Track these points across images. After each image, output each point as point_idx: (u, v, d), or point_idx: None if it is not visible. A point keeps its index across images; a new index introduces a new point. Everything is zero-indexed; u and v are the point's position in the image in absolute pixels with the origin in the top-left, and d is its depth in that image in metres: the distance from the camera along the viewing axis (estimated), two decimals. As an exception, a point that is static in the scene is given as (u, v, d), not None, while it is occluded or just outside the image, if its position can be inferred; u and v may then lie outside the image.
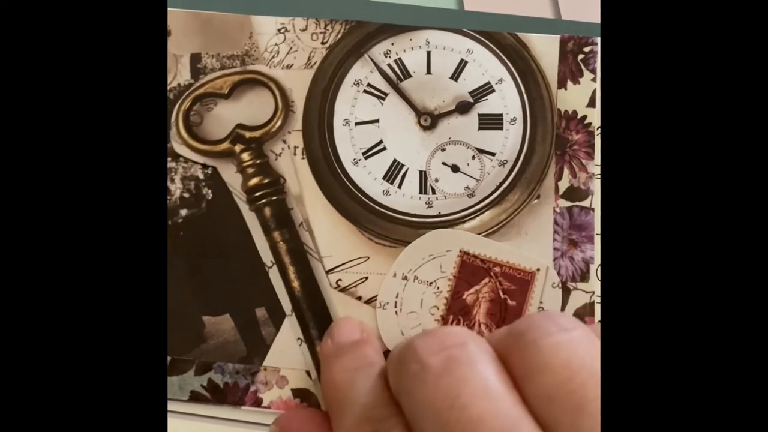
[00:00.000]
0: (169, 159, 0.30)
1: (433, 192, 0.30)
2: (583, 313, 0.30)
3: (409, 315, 0.30)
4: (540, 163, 0.30)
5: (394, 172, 0.31)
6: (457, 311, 0.30)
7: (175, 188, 0.30)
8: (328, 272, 0.30)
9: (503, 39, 0.31)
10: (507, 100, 0.31)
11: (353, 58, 0.31)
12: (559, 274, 0.30)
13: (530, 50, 0.31)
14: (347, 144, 0.31)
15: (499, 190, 0.30)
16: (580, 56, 0.31)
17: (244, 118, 0.31)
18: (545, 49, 0.31)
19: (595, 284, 0.30)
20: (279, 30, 0.31)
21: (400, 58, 0.31)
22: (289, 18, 0.31)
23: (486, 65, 0.31)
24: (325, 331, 0.29)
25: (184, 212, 0.30)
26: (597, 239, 0.30)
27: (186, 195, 0.31)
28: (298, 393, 0.29)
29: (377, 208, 0.30)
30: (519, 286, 0.30)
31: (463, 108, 0.31)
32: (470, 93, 0.31)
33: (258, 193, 0.30)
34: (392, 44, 0.31)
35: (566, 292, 0.30)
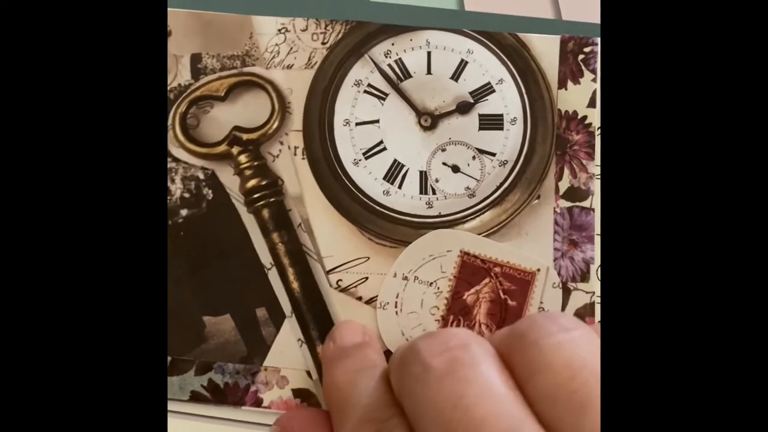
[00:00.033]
0: (169, 159, 0.30)
1: (434, 192, 0.30)
2: (583, 314, 0.30)
3: (410, 315, 0.30)
4: (540, 163, 0.30)
5: (394, 173, 0.31)
6: (457, 311, 0.30)
7: (176, 188, 0.31)
8: (328, 272, 0.30)
9: (503, 39, 0.31)
10: (507, 100, 0.31)
11: (354, 59, 0.31)
12: (559, 274, 0.30)
13: (530, 50, 0.31)
14: (348, 144, 0.31)
15: (500, 191, 0.30)
16: (581, 56, 0.31)
17: (240, 120, 0.31)
18: (545, 49, 0.31)
19: (595, 284, 0.30)
20: (279, 30, 0.31)
21: (400, 59, 0.31)
22: (290, 18, 0.31)
23: (486, 65, 0.31)
24: (326, 334, 0.29)
25: (184, 212, 0.30)
26: (597, 239, 0.30)
27: (186, 195, 0.31)
28: (298, 393, 0.29)
29: (378, 208, 0.30)
30: (519, 286, 0.30)
31: (463, 108, 0.31)
32: (471, 93, 0.31)
33: (256, 195, 0.30)
34: (393, 44, 0.31)
35: (566, 293, 0.30)
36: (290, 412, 0.28)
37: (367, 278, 0.30)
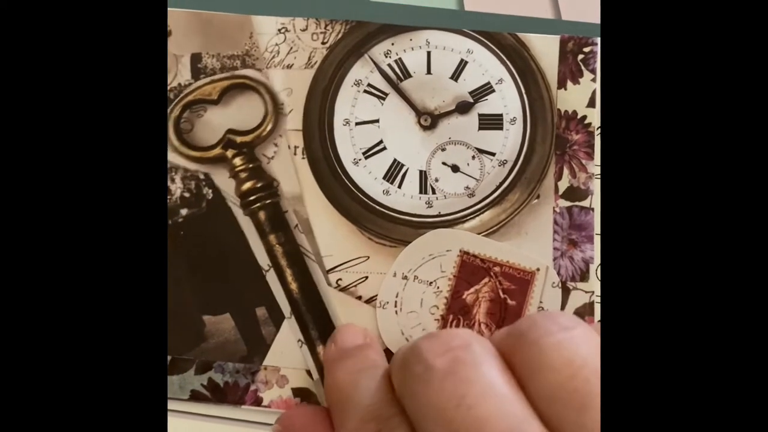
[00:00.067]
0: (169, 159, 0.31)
1: (433, 192, 0.30)
2: (582, 313, 0.30)
3: (409, 314, 0.30)
4: (540, 163, 0.30)
5: (394, 172, 0.31)
6: (457, 311, 0.30)
7: (176, 188, 0.31)
8: (328, 272, 0.30)
9: (503, 39, 0.31)
10: (507, 100, 0.31)
11: (353, 58, 0.31)
12: (558, 273, 0.30)
13: (530, 50, 0.31)
14: (347, 144, 0.31)
15: (499, 190, 0.30)
16: (580, 56, 0.31)
17: (234, 123, 0.31)
18: (545, 49, 0.31)
19: (594, 284, 0.30)
20: (279, 30, 0.31)
21: (400, 58, 0.31)
22: (290, 18, 0.31)
23: (486, 65, 0.31)
24: (326, 334, 0.29)
25: (184, 212, 0.30)
26: (596, 239, 0.30)
27: (186, 194, 0.31)
28: (298, 392, 0.29)
29: (377, 207, 0.30)
30: (519, 285, 0.30)
31: (463, 108, 0.31)
32: (470, 93, 0.31)
33: (252, 197, 0.30)
34: (392, 44, 0.31)
35: (566, 292, 0.30)
36: (292, 410, 0.28)
37: (366, 277, 0.30)
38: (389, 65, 0.31)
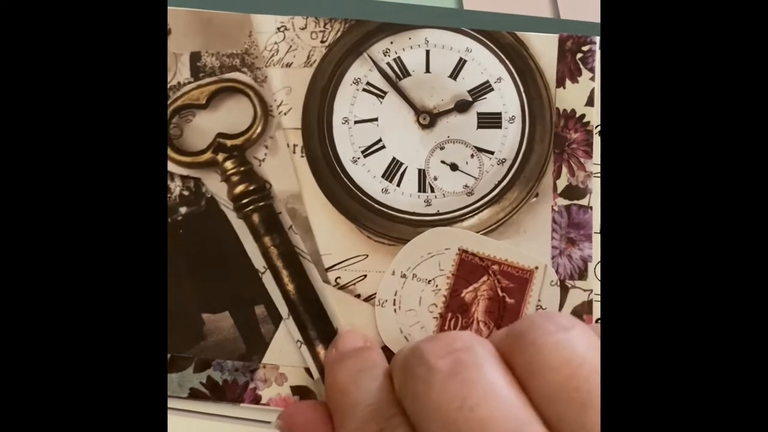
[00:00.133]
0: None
1: (432, 190, 0.31)
2: (581, 311, 0.30)
3: (408, 313, 0.30)
4: (538, 161, 0.30)
5: (393, 171, 0.31)
6: (455, 309, 0.30)
7: (175, 186, 0.31)
8: (327, 270, 0.30)
9: (502, 38, 0.31)
10: (506, 98, 0.31)
11: (352, 57, 0.31)
12: (557, 272, 0.30)
13: (529, 49, 0.31)
14: (346, 142, 0.31)
15: (498, 189, 0.30)
16: (579, 55, 0.31)
17: (224, 127, 0.31)
18: (544, 48, 0.31)
19: (593, 282, 0.30)
20: (278, 29, 0.31)
21: (399, 57, 0.31)
22: (289, 17, 0.31)
23: (485, 64, 0.31)
24: (325, 334, 0.29)
25: (183, 210, 0.31)
26: (595, 237, 0.30)
27: (186, 193, 0.31)
28: (297, 390, 0.29)
29: (376, 206, 0.31)
30: (517, 284, 0.30)
31: (461, 107, 0.31)
32: (469, 92, 0.31)
33: (245, 200, 0.30)
34: (391, 43, 0.31)
35: (564, 291, 0.30)
36: (293, 406, 0.28)
37: (365, 276, 0.30)
38: (388, 64, 0.31)
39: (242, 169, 0.30)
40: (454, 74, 0.31)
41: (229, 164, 0.30)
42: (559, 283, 0.30)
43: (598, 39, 0.31)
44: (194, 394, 0.29)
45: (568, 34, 0.31)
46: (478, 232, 0.30)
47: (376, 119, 0.31)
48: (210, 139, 0.31)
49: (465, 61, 0.31)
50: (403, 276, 0.30)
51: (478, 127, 0.31)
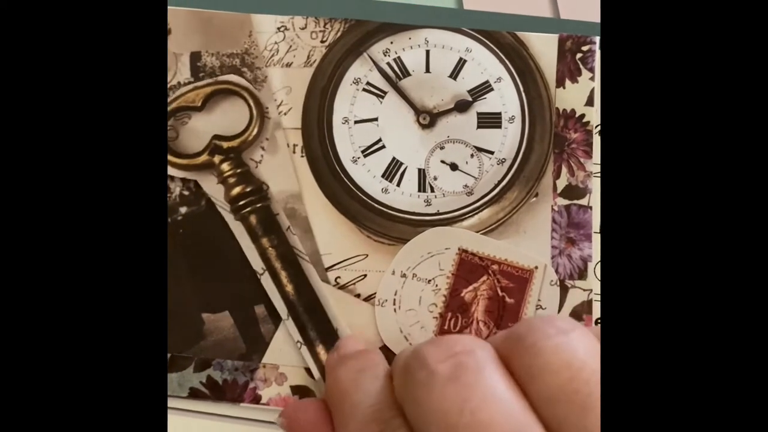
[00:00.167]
0: (168, 157, 0.31)
1: (432, 190, 0.31)
2: (581, 311, 0.30)
3: (408, 312, 0.30)
4: (538, 161, 0.30)
5: (393, 170, 0.31)
6: (455, 309, 0.30)
7: (175, 186, 0.31)
8: (327, 270, 0.30)
9: (502, 38, 0.31)
10: (505, 98, 0.31)
11: (352, 57, 0.31)
12: (557, 272, 0.30)
13: (529, 49, 0.31)
14: (346, 142, 0.31)
15: (498, 189, 0.30)
16: (579, 55, 0.31)
17: (220, 129, 0.31)
18: (544, 48, 0.31)
19: (593, 282, 0.30)
20: (278, 28, 0.31)
21: (399, 57, 0.31)
22: (289, 17, 0.31)
23: (485, 64, 0.31)
24: (324, 334, 0.29)
25: (183, 210, 0.31)
26: (595, 237, 0.30)
27: (186, 193, 0.31)
28: (296, 390, 0.29)
29: (376, 206, 0.31)
30: (517, 283, 0.30)
31: (461, 106, 0.31)
32: (469, 92, 0.31)
33: (242, 202, 0.30)
34: (391, 43, 0.31)
35: (564, 290, 0.30)
36: (295, 403, 0.28)
37: (365, 275, 0.30)
38: (388, 64, 0.31)
39: (239, 170, 0.30)
40: (454, 74, 0.31)
41: (225, 166, 0.30)
42: (558, 283, 0.30)
43: (597, 39, 0.31)
44: (194, 394, 0.29)
45: (567, 34, 0.31)
46: (477, 232, 0.30)
47: (376, 119, 0.31)
48: (206, 141, 0.31)
49: (465, 61, 0.31)
50: (403, 276, 0.30)
51: (478, 126, 0.31)
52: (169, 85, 0.31)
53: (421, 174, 0.31)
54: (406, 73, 0.31)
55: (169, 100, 0.31)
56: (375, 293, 0.30)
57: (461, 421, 0.19)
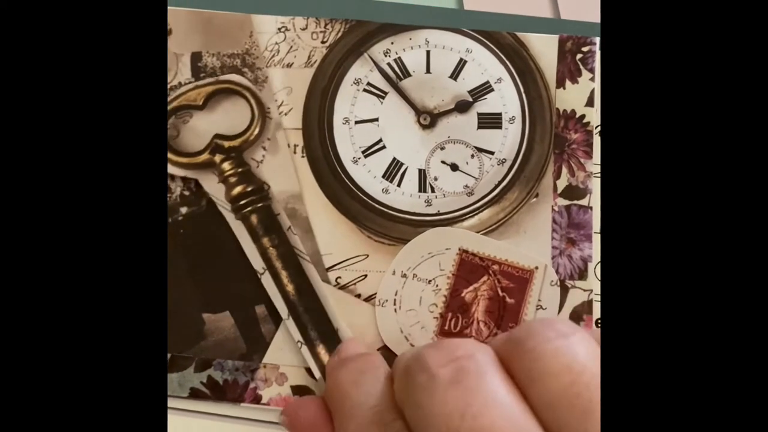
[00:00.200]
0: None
1: (433, 190, 0.31)
2: (581, 311, 0.30)
3: (408, 312, 0.30)
4: (539, 161, 0.30)
5: (393, 171, 0.31)
6: (455, 309, 0.30)
7: (176, 186, 0.31)
8: (327, 270, 0.30)
9: (502, 38, 0.31)
10: (506, 99, 0.31)
11: (353, 57, 0.31)
12: (557, 272, 0.30)
13: (529, 50, 0.31)
14: (347, 142, 0.31)
15: (498, 189, 0.31)
16: (579, 56, 0.31)
17: (221, 128, 0.31)
18: (544, 48, 0.31)
19: (593, 282, 0.30)
20: (279, 29, 0.31)
21: (399, 57, 0.31)
22: (290, 17, 0.31)
23: (485, 65, 0.31)
24: (325, 334, 0.29)
25: (184, 210, 0.31)
26: (595, 237, 0.30)
27: (186, 193, 0.31)
28: (297, 390, 0.29)
29: (377, 206, 0.31)
30: (517, 284, 0.30)
31: (462, 107, 0.31)
32: (469, 92, 0.31)
33: (243, 202, 0.30)
34: (392, 43, 0.31)
35: (564, 290, 0.30)
36: (297, 401, 0.28)
37: (366, 276, 0.30)
38: (389, 64, 0.31)
39: (240, 170, 0.30)
40: (455, 75, 0.31)
41: (226, 165, 0.30)
42: (559, 283, 0.30)
43: (598, 40, 0.31)
44: (195, 394, 0.29)
45: (568, 34, 0.31)
46: (478, 233, 0.30)
47: (376, 119, 0.31)
48: (207, 140, 0.31)
49: (465, 61, 0.31)
50: (404, 276, 0.30)
51: (479, 127, 0.31)
52: (169, 86, 0.31)
53: (422, 174, 0.31)
54: (406, 74, 0.31)
55: (170, 98, 0.31)
56: (375, 293, 0.30)
57: (463, 425, 0.19)
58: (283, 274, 0.30)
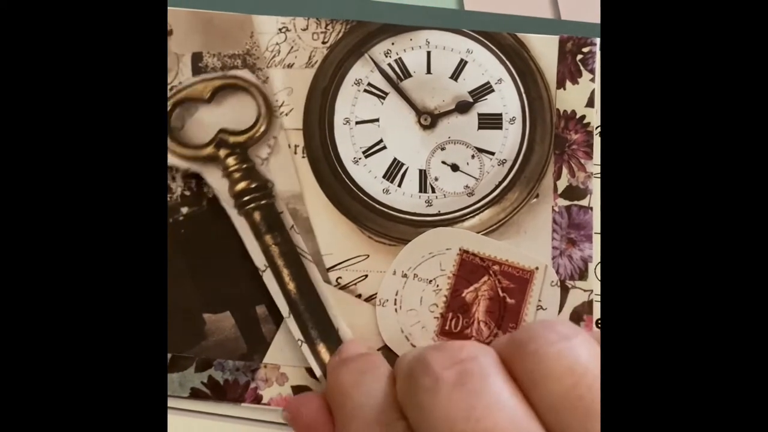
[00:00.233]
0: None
1: (433, 191, 0.31)
2: (581, 312, 0.30)
3: (409, 312, 0.30)
4: (539, 162, 0.31)
5: (394, 171, 0.31)
6: (456, 309, 0.30)
7: (176, 186, 0.31)
8: (328, 270, 0.30)
9: (503, 39, 0.31)
10: (506, 99, 0.31)
11: (354, 58, 0.31)
12: (557, 272, 0.30)
13: (529, 50, 0.31)
14: (348, 143, 0.31)
15: (499, 189, 0.31)
16: (579, 57, 0.31)
17: (227, 123, 0.31)
18: (544, 49, 0.31)
19: (593, 283, 0.30)
20: (280, 29, 0.31)
21: (400, 58, 0.31)
22: (290, 17, 0.31)
23: (485, 65, 0.31)
24: (325, 333, 0.29)
25: (185, 210, 0.31)
26: (595, 238, 0.30)
27: (187, 193, 0.31)
28: (297, 390, 0.29)
29: (377, 206, 0.31)
30: (518, 284, 0.30)
31: (462, 107, 0.31)
32: (470, 93, 0.31)
33: (246, 198, 0.30)
34: (392, 44, 0.31)
35: (565, 291, 0.30)
36: (299, 397, 0.28)
37: (366, 276, 0.30)
38: (389, 65, 0.31)
39: (244, 166, 0.30)
40: (455, 75, 0.31)
41: (231, 161, 0.30)
42: (559, 284, 0.30)
43: (598, 40, 0.31)
44: (195, 394, 0.29)
45: (568, 35, 0.31)
46: (478, 233, 0.30)
47: (377, 120, 0.31)
48: (212, 134, 0.30)
49: (466, 62, 0.31)
50: (404, 276, 0.30)
51: (479, 127, 0.31)
52: (170, 86, 0.31)
53: (422, 175, 0.31)
54: (407, 74, 0.31)
55: (177, 89, 0.31)
56: (376, 294, 0.30)
57: (467, 428, 0.19)
58: (285, 273, 0.30)
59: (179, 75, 0.31)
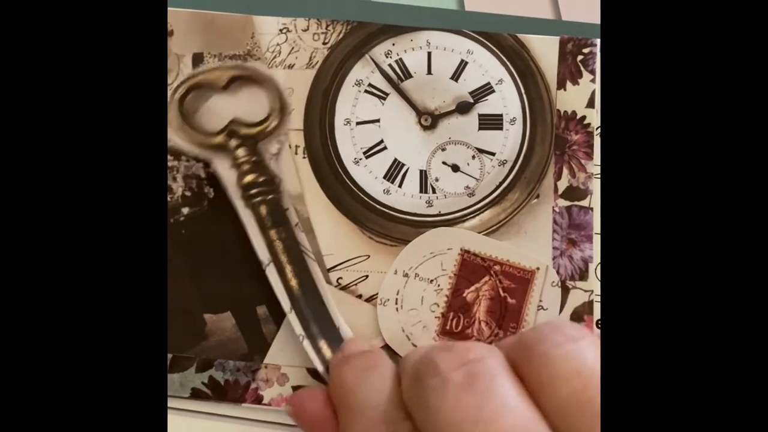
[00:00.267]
0: (171, 158, 0.31)
1: (434, 191, 0.31)
2: (582, 312, 0.30)
3: (410, 312, 0.30)
4: (539, 162, 0.31)
5: (394, 172, 0.31)
6: (457, 309, 0.30)
7: (177, 187, 0.31)
8: (328, 270, 0.30)
9: (503, 40, 0.31)
10: (507, 100, 0.31)
11: (354, 59, 0.31)
12: (558, 272, 0.30)
13: (530, 51, 0.31)
14: (348, 143, 0.31)
15: (499, 190, 0.31)
16: (579, 57, 0.31)
17: (239, 113, 0.31)
18: (545, 50, 0.31)
19: (593, 283, 0.30)
20: (281, 30, 0.31)
21: (401, 59, 0.31)
22: (291, 18, 0.31)
23: (486, 66, 0.31)
24: (326, 330, 0.29)
25: (185, 210, 0.31)
26: (596, 238, 0.30)
27: (187, 193, 0.31)
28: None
29: (378, 207, 0.31)
30: (519, 284, 0.30)
31: (463, 108, 0.31)
32: (470, 93, 0.31)
33: (253, 191, 0.30)
34: (393, 45, 0.31)
35: (565, 291, 0.30)
36: (303, 391, 0.28)
37: (367, 276, 0.30)
38: (390, 65, 0.31)
39: (253, 159, 0.30)
40: (456, 76, 0.31)
41: (240, 152, 0.30)
42: (560, 284, 0.30)
43: (598, 41, 0.31)
44: (196, 394, 0.29)
45: (568, 36, 0.31)
46: (479, 233, 0.30)
47: (377, 120, 0.31)
48: (224, 122, 0.30)
49: (466, 62, 0.31)
50: (406, 275, 0.30)
51: (480, 128, 0.31)
52: (171, 86, 0.31)
53: (423, 175, 0.31)
54: (407, 75, 0.31)
55: (193, 73, 0.30)
56: (376, 294, 0.30)
57: (475, 430, 0.19)
58: (288, 269, 0.30)
59: (180, 75, 0.31)
